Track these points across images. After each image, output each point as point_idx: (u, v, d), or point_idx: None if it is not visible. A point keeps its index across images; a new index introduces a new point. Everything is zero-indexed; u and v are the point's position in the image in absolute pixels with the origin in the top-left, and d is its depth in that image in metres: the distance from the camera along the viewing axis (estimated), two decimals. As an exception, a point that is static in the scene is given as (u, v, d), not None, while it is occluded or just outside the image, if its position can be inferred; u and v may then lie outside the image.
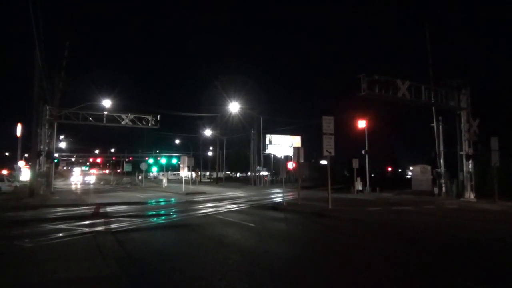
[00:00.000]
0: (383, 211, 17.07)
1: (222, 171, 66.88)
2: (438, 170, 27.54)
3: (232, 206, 19.89)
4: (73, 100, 31.63)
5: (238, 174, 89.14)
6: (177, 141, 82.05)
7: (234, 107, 45.86)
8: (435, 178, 29.25)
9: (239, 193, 33.59)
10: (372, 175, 52.97)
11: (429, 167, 32.38)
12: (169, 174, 72.42)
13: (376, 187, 33.66)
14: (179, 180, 44.53)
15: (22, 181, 35.59)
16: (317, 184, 42.67)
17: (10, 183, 32.08)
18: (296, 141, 52.57)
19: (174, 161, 64.01)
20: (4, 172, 44.92)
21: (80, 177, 74.69)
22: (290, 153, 35.99)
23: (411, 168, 51.59)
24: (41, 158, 28.64)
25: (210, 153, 78.12)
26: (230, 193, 33.46)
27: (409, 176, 60.62)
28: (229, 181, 65.46)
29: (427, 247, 9.28)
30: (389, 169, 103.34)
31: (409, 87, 20.60)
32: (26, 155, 41.23)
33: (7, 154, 66.46)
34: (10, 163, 53.57)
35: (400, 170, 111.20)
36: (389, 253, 8.51)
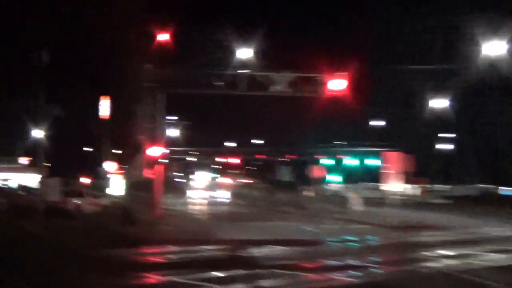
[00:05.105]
0: None
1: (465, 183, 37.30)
2: None
3: (498, 257, 10.95)
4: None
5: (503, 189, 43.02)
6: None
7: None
8: None
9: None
10: None
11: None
12: (361, 187, 38.57)
13: None
14: (380, 200, 25.95)
15: (111, 195, 24.92)
16: None
17: (94, 199, 21.88)
18: None
19: (369, 162, 34.66)
20: (85, 180, 30.71)
21: (203, 190, 40.79)
22: None
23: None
24: (140, 155, 18.15)
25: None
26: (488, 228, 18.54)
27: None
28: (478, 203, 32.98)
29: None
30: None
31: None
32: (117, 152, 27.00)
33: (86, 149, 37.44)
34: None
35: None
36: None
